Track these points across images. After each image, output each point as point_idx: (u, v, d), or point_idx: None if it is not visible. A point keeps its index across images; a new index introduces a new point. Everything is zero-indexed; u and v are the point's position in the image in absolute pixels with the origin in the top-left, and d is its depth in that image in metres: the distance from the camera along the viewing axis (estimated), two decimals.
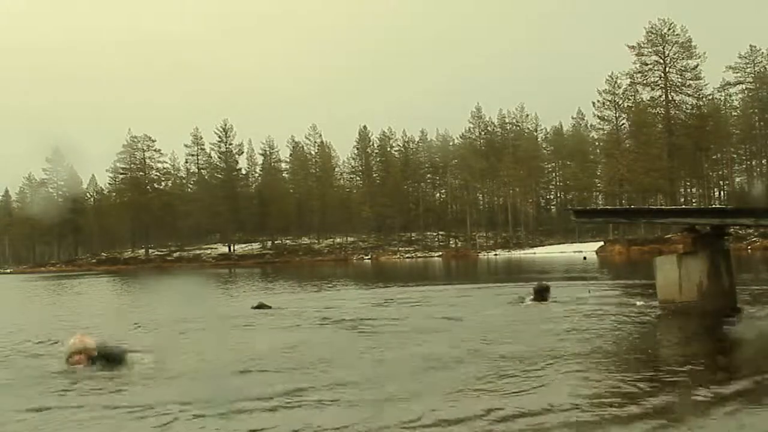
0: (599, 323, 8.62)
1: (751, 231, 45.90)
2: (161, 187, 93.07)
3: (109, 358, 6.21)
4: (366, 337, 8.24)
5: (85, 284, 32.56)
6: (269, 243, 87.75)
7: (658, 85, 68.29)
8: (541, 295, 11.19)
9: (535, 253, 66.91)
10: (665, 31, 67.33)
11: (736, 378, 5.15)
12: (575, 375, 5.44)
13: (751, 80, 72.92)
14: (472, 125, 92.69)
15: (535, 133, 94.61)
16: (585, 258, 15.66)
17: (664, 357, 6.63)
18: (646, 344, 7.39)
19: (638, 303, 10.34)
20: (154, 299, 19.92)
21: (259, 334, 9.20)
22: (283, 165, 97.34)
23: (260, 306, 12.38)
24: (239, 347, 7.72)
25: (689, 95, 68.70)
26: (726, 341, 7.53)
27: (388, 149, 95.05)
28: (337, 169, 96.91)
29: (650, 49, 67.85)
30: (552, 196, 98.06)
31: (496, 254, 73.15)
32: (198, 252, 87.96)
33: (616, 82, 70.41)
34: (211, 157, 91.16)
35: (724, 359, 6.37)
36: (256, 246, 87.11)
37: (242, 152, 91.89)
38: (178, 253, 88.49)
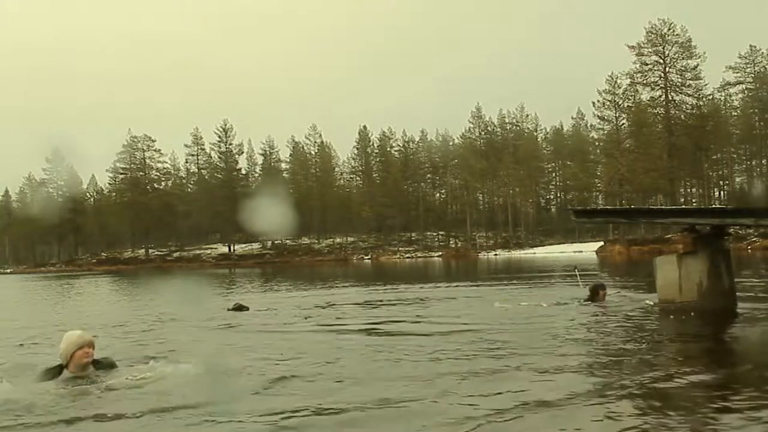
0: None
1: (751, 231, 45.91)
2: (161, 187, 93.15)
3: (103, 364, 5.46)
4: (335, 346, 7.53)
5: (66, 285, 32.23)
6: (269, 243, 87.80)
7: (658, 85, 68.31)
8: (594, 293, 10.70)
9: (535, 253, 66.95)
10: (665, 31, 67.36)
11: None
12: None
13: (751, 80, 72.97)
14: (472, 125, 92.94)
15: (535, 133, 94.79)
16: (576, 268, 15.30)
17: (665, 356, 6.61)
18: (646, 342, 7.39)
19: (648, 302, 10.27)
20: (136, 300, 19.84)
21: (207, 341, 8.40)
22: (283, 165, 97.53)
23: (237, 308, 12.00)
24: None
25: (689, 95, 68.75)
26: (725, 342, 7.52)
27: (388, 149, 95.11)
28: (337, 169, 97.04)
29: (650, 49, 67.90)
30: (552, 196, 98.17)
31: (496, 254, 73.19)
32: (198, 252, 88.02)
33: (616, 82, 70.50)
34: (211, 157, 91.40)
35: (724, 361, 6.37)
36: (256, 246, 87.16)
37: (242, 152, 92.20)
38: (178, 253, 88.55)
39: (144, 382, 5.12)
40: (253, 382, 5.42)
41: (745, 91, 73.69)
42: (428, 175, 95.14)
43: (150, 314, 12.62)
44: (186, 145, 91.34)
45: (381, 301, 14.05)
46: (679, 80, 68.19)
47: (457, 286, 19.00)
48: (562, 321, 8.86)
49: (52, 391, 4.97)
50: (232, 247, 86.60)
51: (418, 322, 9.80)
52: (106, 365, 5.36)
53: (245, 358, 6.55)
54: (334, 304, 13.48)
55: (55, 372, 5.22)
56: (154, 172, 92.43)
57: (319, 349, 7.24)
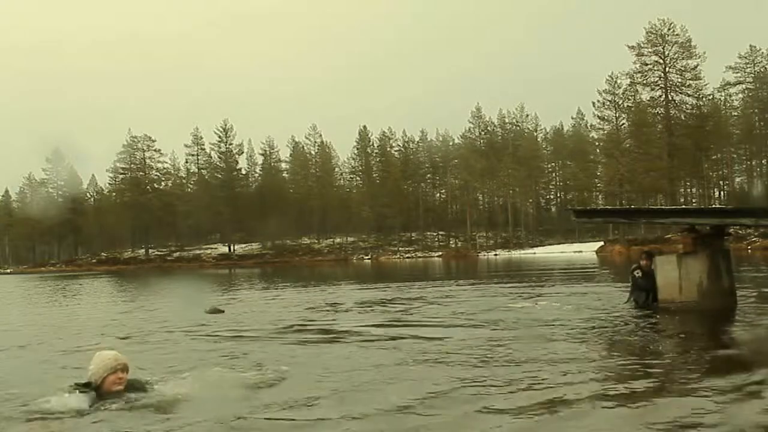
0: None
1: (751, 231, 45.91)
2: (161, 187, 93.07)
3: (135, 386, 4.93)
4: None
5: (60, 287, 32.09)
6: (269, 243, 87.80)
7: (658, 85, 68.23)
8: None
9: (535, 253, 66.95)
10: (665, 31, 67.30)
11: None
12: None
13: (751, 80, 72.94)
14: (472, 125, 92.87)
15: (535, 133, 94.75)
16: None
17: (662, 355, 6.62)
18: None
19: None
20: (124, 301, 19.53)
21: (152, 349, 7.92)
22: (283, 165, 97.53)
23: (213, 311, 12.07)
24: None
25: (689, 95, 68.65)
26: (725, 342, 7.52)
27: (388, 149, 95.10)
28: (337, 169, 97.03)
29: (650, 49, 67.80)
30: (552, 196, 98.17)
31: (496, 254, 73.17)
32: (198, 252, 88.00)
33: (616, 82, 70.40)
34: (211, 157, 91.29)
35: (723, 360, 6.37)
36: (256, 246, 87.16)
37: (242, 152, 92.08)
38: (178, 253, 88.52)
39: (179, 401, 4.83)
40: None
41: (745, 91, 73.66)
42: (428, 175, 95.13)
43: (131, 318, 12.61)
44: (186, 145, 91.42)
45: (381, 301, 14.01)
46: (679, 80, 68.13)
47: (463, 285, 18.98)
48: (570, 321, 8.88)
49: (84, 414, 4.54)
50: (232, 247, 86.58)
51: (429, 324, 9.76)
52: (137, 387, 4.89)
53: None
54: (323, 305, 13.36)
55: (85, 391, 4.73)
56: (154, 172, 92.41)
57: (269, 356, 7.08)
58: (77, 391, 4.75)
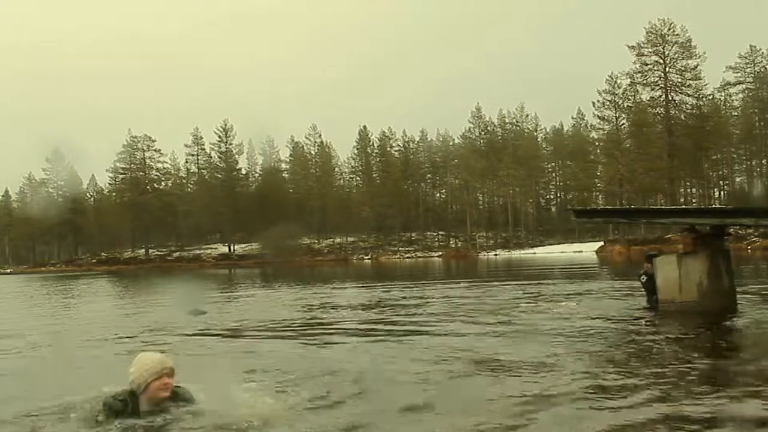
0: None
1: (751, 231, 45.93)
2: (161, 187, 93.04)
3: (181, 395, 4.32)
4: None
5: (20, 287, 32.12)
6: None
7: (658, 85, 68.24)
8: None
9: (535, 253, 66.97)
10: (665, 31, 67.32)
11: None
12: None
13: (751, 80, 72.94)
14: (472, 125, 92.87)
15: (535, 133, 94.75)
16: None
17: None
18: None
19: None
20: (114, 302, 19.46)
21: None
22: (283, 165, 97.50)
23: (195, 312, 12.09)
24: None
25: (689, 95, 68.67)
26: (724, 342, 7.52)
27: (388, 149, 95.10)
28: (337, 169, 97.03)
29: (650, 49, 67.83)
30: (552, 196, 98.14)
31: (496, 254, 73.18)
32: (198, 252, 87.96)
33: (616, 82, 70.47)
34: (211, 157, 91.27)
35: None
36: (256, 246, 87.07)
37: (242, 152, 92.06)
38: (178, 253, 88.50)
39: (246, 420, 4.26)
40: None
41: (745, 91, 73.66)
42: (428, 175, 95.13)
43: (114, 318, 12.60)
44: (186, 145, 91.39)
45: (378, 300, 13.99)
46: (679, 80, 68.13)
47: (462, 285, 18.95)
48: (567, 321, 8.88)
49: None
50: (232, 247, 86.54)
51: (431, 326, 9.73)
52: (184, 397, 4.30)
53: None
54: (316, 305, 13.32)
55: (128, 403, 4.13)
56: (154, 172, 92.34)
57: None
58: (109, 408, 4.12)
